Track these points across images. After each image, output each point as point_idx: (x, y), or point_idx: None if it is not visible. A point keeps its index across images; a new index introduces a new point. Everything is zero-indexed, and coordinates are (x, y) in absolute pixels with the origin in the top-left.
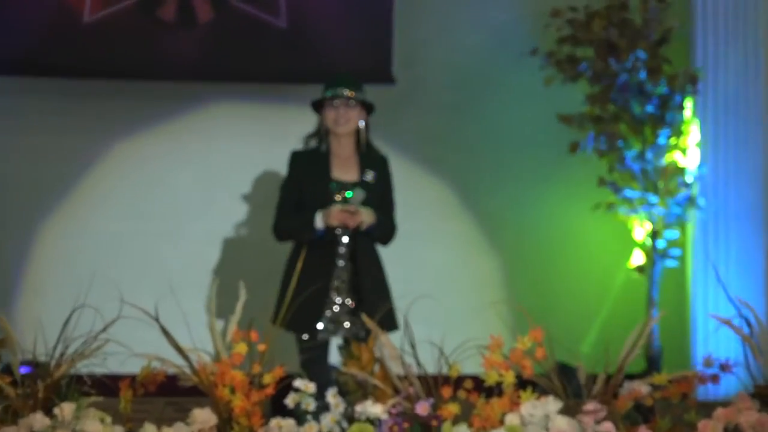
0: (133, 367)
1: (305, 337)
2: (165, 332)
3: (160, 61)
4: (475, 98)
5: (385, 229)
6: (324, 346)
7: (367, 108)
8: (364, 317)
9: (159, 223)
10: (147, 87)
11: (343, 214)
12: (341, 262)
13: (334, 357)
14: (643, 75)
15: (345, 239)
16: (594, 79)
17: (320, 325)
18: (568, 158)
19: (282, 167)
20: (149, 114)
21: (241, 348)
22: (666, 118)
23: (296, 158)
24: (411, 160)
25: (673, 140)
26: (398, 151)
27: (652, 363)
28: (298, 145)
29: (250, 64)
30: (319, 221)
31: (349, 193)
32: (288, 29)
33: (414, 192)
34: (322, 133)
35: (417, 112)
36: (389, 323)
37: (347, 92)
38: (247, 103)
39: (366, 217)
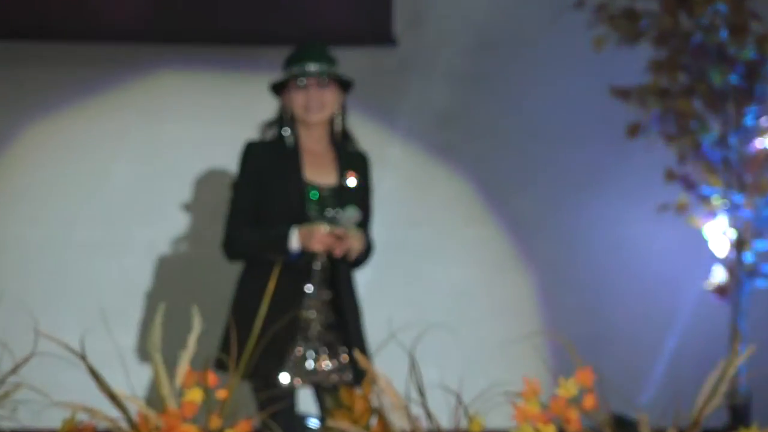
0: (52, 419)
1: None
2: (94, 374)
3: (88, 17)
4: (500, 66)
5: (368, 254)
6: (291, 394)
7: (344, 86)
8: (358, 355)
9: (87, 231)
10: (71, 49)
11: (329, 239)
12: (310, 287)
13: (305, 406)
14: (724, 35)
15: (316, 265)
16: (659, 41)
17: (284, 376)
18: (626, 145)
19: None
20: (74, 85)
21: (196, 395)
22: (755, 91)
23: (253, 151)
24: (418, 147)
25: (764, 121)
26: (401, 135)
27: (738, 414)
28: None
29: (207, 20)
30: (295, 241)
31: (351, 211)
32: None
33: (421, 190)
34: (286, 121)
35: (425, 85)
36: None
37: (319, 67)
38: (203, 71)
39: (356, 243)
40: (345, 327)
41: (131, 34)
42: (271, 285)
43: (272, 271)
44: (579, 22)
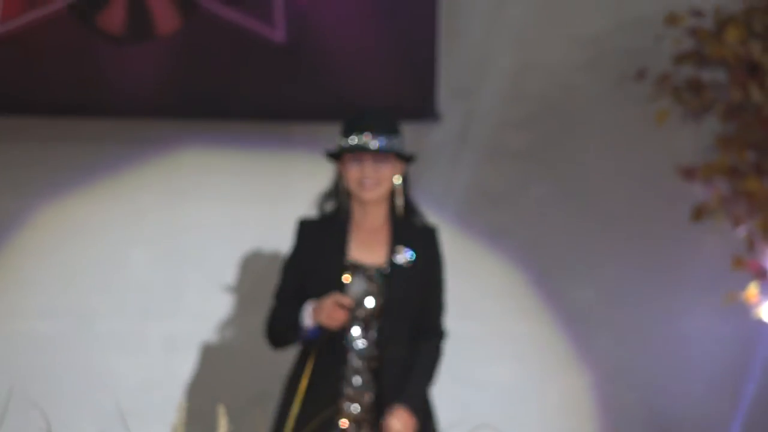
0: None
1: None
2: None
3: (102, 90)
4: (554, 142)
5: (427, 384)
6: None
7: (405, 159)
8: None
9: (103, 322)
10: (83, 126)
11: (337, 311)
12: (356, 379)
13: None
14: None
15: (360, 343)
16: (727, 115)
17: None
18: (691, 229)
19: (280, 239)
20: (88, 164)
21: None
22: None
23: (305, 230)
24: (464, 230)
25: None
26: (444, 216)
27: None
28: (306, 208)
29: (232, 93)
30: (306, 317)
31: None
32: (287, 45)
33: (468, 278)
34: (341, 194)
35: (471, 161)
36: None
37: (377, 142)
38: (228, 148)
39: (397, 424)
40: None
41: (151, 109)
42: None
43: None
44: (640, 94)
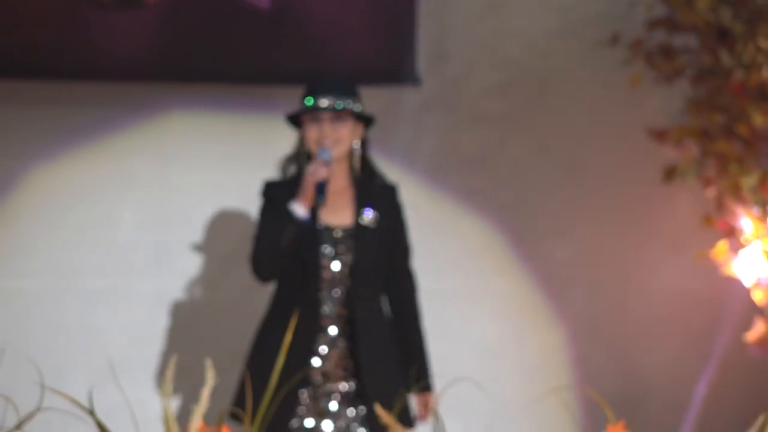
0: None
1: None
2: (102, 429)
3: (92, 55)
4: (531, 105)
5: (424, 340)
6: None
7: (365, 120)
8: (377, 408)
9: (93, 280)
10: (73, 90)
11: (319, 167)
12: (324, 346)
13: None
14: (766, 73)
15: (330, 301)
16: (698, 79)
17: (309, 420)
18: (663, 189)
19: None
20: (79, 127)
21: None
22: None
23: (270, 191)
24: (442, 192)
25: None
26: (424, 178)
27: None
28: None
29: (219, 57)
30: (298, 208)
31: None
32: (272, 12)
33: (448, 237)
34: (302, 157)
35: (451, 125)
36: (402, 418)
37: (333, 102)
38: (215, 111)
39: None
40: (362, 378)
41: (137, 73)
42: (281, 332)
43: (288, 321)
44: (614, 59)
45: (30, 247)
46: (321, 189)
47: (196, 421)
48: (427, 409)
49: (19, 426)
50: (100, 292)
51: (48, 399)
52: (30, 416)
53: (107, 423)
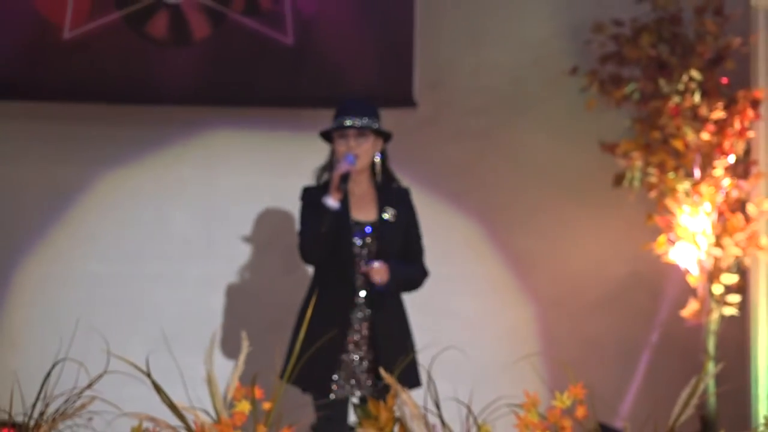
0: (122, 427)
1: (315, 395)
2: (158, 388)
3: (150, 83)
4: (506, 124)
5: (407, 276)
6: (342, 405)
7: (384, 136)
8: (382, 372)
9: (151, 265)
10: (136, 112)
11: (343, 164)
12: (359, 314)
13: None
14: (697, 97)
15: (362, 293)
16: (642, 103)
17: (334, 383)
18: (613, 192)
19: (290, 202)
20: (139, 141)
21: (244, 406)
22: (723, 146)
23: (309, 196)
24: (434, 194)
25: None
26: (420, 184)
27: (708, 423)
28: (310, 178)
29: (253, 86)
30: (330, 200)
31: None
32: (295, 47)
33: (438, 231)
34: (333, 166)
35: (441, 140)
36: (411, 379)
37: (356, 121)
38: (251, 129)
39: (377, 275)
40: (380, 346)
41: (187, 98)
42: (321, 309)
43: (324, 299)
44: (573, 86)
45: (100, 239)
46: (344, 179)
47: (234, 382)
48: (370, 269)
49: (89, 386)
50: (157, 275)
51: (113, 364)
52: (98, 378)
53: (161, 384)
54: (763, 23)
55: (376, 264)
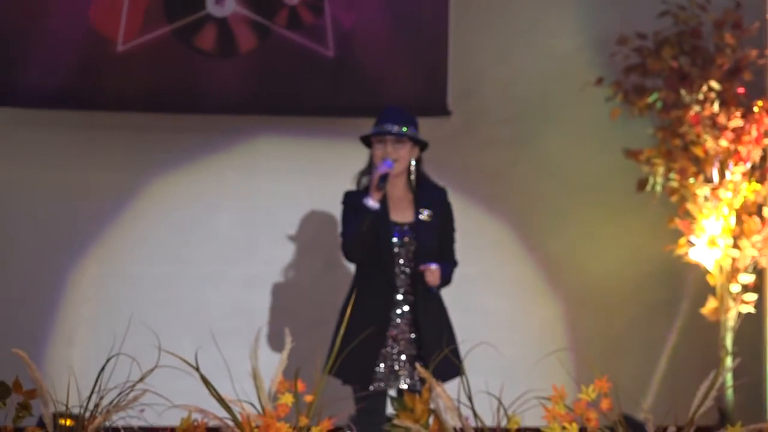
0: (172, 419)
1: (356, 387)
2: (206, 382)
3: (199, 93)
4: (535, 132)
5: (449, 277)
6: (380, 397)
7: (420, 144)
8: (419, 367)
9: (199, 266)
10: (186, 120)
11: (381, 167)
12: (399, 311)
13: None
14: (716, 107)
15: (401, 289)
16: (664, 111)
17: (375, 375)
18: (637, 197)
19: (331, 206)
20: (188, 149)
21: (287, 399)
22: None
23: (350, 199)
24: (467, 198)
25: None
26: (453, 188)
27: (726, 415)
28: (349, 182)
29: (295, 96)
30: (370, 201)
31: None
32: (335, 59)
33: (471, 233)
34: (372, 171)
35: (473, 147)
36: (452, 369)
37: (395, 128)
38: (293, 137)
39: (431, 277)
40: (423, 343)
41: (233, 107)
42: (363, 305)
43: (366, 296)
44: (599, 96)
45: (151, 241)
46: (383, 179)
47: (278, 375)
48: (427, 269)
49: (141, 379)
50: (205, 275)
51: (163, 358)
52: (150, 372)
53: (209, 377)
54: None
55: (433, 266)
